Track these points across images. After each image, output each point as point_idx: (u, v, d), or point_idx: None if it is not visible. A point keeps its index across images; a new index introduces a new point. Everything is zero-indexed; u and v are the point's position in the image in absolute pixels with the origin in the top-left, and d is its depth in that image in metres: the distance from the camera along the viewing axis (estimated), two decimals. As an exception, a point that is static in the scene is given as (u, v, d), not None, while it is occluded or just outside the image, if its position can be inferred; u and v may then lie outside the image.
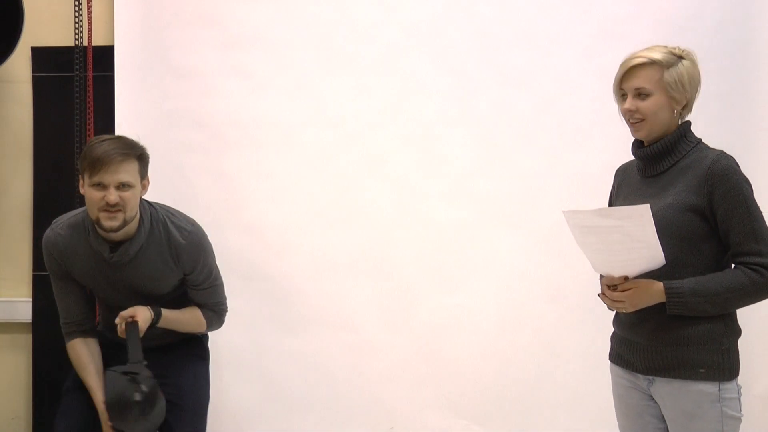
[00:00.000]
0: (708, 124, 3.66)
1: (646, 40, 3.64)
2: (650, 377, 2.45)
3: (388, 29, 3.70)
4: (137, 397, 2.62)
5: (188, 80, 3.71)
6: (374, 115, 3.71)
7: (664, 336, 2.39)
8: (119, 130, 3.70)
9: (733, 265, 2.42)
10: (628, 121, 2.49)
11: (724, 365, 2.38)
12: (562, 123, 3.69)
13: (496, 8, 3.68)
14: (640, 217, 2.27)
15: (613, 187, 2.70)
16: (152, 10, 3.71)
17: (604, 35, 3.67)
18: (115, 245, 2.79)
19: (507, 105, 3.70)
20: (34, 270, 3.78)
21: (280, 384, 3.57)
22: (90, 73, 3.73)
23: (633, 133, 2.49)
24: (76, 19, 3.72)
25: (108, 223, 2.69)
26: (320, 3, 3.71)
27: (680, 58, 2.44)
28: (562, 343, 3.72)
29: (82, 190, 2.74)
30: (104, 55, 3.73)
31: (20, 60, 3.73)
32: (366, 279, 3.72)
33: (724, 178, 2.35)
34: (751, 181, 3.73)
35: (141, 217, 2.81)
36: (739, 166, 2.42)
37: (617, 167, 2.73)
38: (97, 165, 2.65)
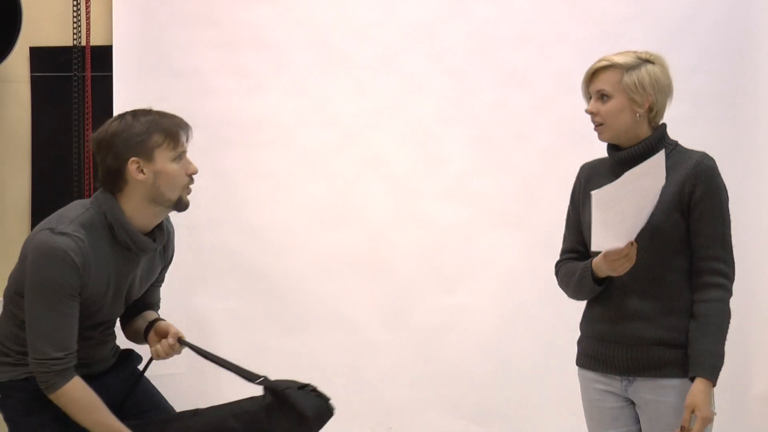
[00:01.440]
0: (706, 124, 3.70)
1: (645, 41, 3.66)
2: (630, 378, 2.42)
3: (386, 29, 3.71)
4: (331, 403, 2.46)
5: (187, 80, 3.71)
6: (372, 115, 3.71)
7: (649, 336, 2.38)
8: (118, 130, 3.70)
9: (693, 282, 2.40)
10: (592, 122, 2.47)
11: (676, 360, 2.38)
12: (560, 123, 3.69)
13: (494, 8, 3.69)
14: (657, 167, 2.27)
15: (579, 183, 2.62)
16: (150, 10, 3.71)
17: (602, 35, 3.67)
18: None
19: (505, 105, 3.70)
20: (32, 270, 3.77)
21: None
22: (88, 73, 3.73)
23: (598, 136, 2.48)
24: (75, 19, 3.72)
25: (188, 200, 2.41)
26: (318, 3, 3.72)
27: (646, 61, 2.42)
28: (561, 343, 3.69)
29: (140, 176, 2.32)
30: (102, 55, 3.72)
31: (18, 60, 3.73)
32: (364, 279, 3.72)
33: (708, 178, 2.36)
34: (747, 180, 3.77)
35: None
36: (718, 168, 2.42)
37: (583, 164, 2.67)
38: (178, 134, 2.35)
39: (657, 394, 2.38)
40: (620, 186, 2.28)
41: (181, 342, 2.52)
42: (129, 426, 2.37)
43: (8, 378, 2.41)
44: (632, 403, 2.46)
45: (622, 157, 2.45)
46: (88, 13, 3.70)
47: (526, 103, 3.71)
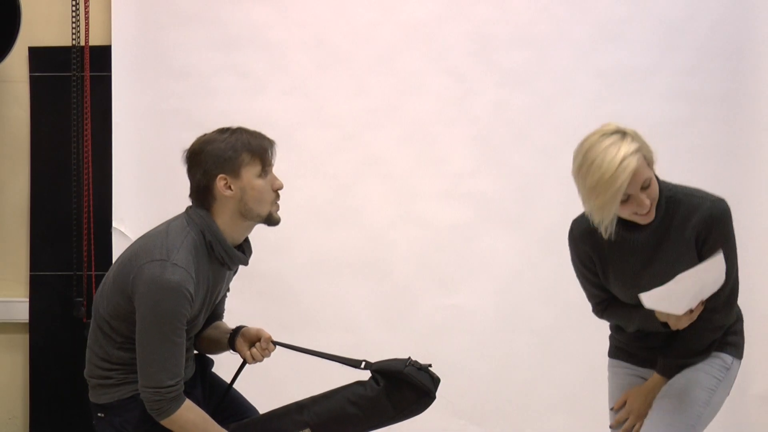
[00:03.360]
0: (705, 125, 3.70)
1: (643, 41, 3.68)
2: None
3: (385, 29, 3.71)
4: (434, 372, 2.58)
5: (185, 80, 3.71)
6: (371, 115, 3.71)
7: (697, 349, 2.49)
8: (116, 131, 3.71)
9: None
10: (636, 214, 2.33)
11: (738, 344, 2.56)
12: (559, 123, 3.69)
13: (493, 8, 3.69)
14: (718, 268, 2.31)
15: (586, 256, 2.52)
16: (149, 10, 3.71)
17: (602, 35, 3.68)
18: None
19: (504, 105, 3.70)
20: (31, 270, 3.78)
21: (277, 384, 3.56)
22: (87, 73, 3.72)
23: (643, 220, 2.35)
24: (74, 19, 3.72)
25: (279, 215, 2.48)
26: (317, 3, 3.72)
27: (625, 131, 2.30)
28: (560, 343, 3.72)
29: (228, 192, 2.38)
30: (101, 55, 3.72)
31: (17, 60, 3.73)
32: (363, 279, 3.72)
33: (719, 225, 2.38)
34: (746, 180, 3.77)
35: None
36: (729, 210, 2.43)
37: (572, 234, 2.56)
38: (265, 153, 2.43)
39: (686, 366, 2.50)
40: (674, 285, 2.29)
41: (275, 343, 2.59)
42: (232, 431, 2.46)
43: (115, 399, 2.44)
44: None
45: (645, 236, 2.41)
46: (87, 13, 3.70)
47: (525, 104, 3.70)
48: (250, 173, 2.40)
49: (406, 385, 2.52)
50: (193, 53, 3.71)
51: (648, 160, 2.30)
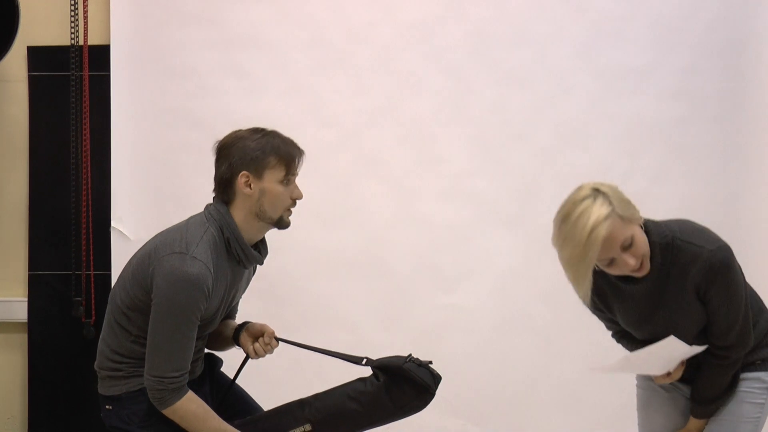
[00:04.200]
0: (702, 124, 3.70)
1: (641, 40, 3.69)
2: None
3: (383, 29, 3.71)
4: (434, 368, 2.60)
5: (184, 80, 3.71)
6: (370, 115, 3.71)
7: (718, 382, 2.46)
8: (115, 130, 3.71)
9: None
10: (626, 273, 2.33)
11: None
12: (557, 122, 3.69)
13: (491, 8, 3.69)
14: (677, 347, 2.31)
15: (593, 294, 2.43)
16: (148, 9, 3.71)
17: (599, 34, 3.68)
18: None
19: (502, 104, 3.70)
20: (29, 270, 3.78)
21: (275, 383, 3.56)
22: (86, 73, 3.72)
23: (638, 275, 2.33)
24: (72, 19, 3.72)
25: (290, 220, 2.52)
26: (316, 3, 3.72)
27: (602, 193, 2.26)
28: (558, 343, 3.72)
29: (246, 190, 2.42)
30: (100, 55, 3.72)
31: (16, 59, 3.73)
32: (362, 278, 3.72)
33: (720, 275, 2.33)
34: (746, 179, 3.77)
35: None
36: (732, 257, 2.36)
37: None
38: (292, 160, 2.46)
39: None
40: (624, 365, 2.39)
41: (278, 339, 2.62)
42: (236, 426, 2.46)
43: (123, 391, 2.46)
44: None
45: (644, 288, 2.38)
46: (85, 12, 3.70)
47: (524, 103, 3.71)
48: (272, 177, 2.43)
49: (406, 381, 2.53)
50: (193, 53, 3.70)
51: (626, 218, 2.25)
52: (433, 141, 3.73)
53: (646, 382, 2.63)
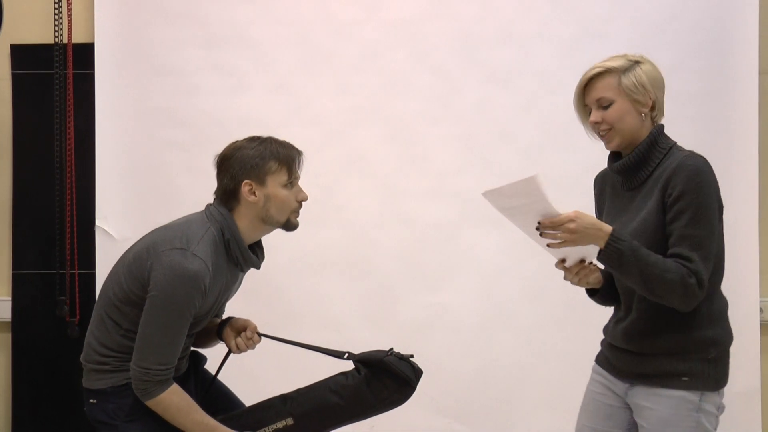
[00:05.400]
0: (685, 124, 3.71)
1: (626, 39, 3.70)
2: (631, 383, 2.42)
3: (369, 28, 3.71)
4: (415, 362, 2.63)
5: (169, 78, 3.70)
6: (355, 114, 3.71)
7: (654, 345, 2.35)
8: (99, 129, 3.70)
9: None
10: (597, 134, 2.43)
11: (709, 375, 2.33)
12: (543, 121, 3.70)
13: (477, 7, 3.70)
14: (531, 188, 2.21)
15: (596, 195, 2.63)
16: (133, 7, 3.70)
17: (585, 34, 3.69)
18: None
19: (488, 103, 3.71)
20: (13, 269, 3.76)
21: (261, 382, 3.55)
22: (70, 71, 3.71)
23: (606, 145, 2.43)
24: (56, 16, 3.70)
25: (297, 221, 2.57)
26: (301, 1, 3.72)
27: (637, 62, 2.39)
28: (544, 342, 3.73)
29: (251, 198, 2.45)
30: (84, 53, 3.71)
31: (-1, 57, 3.72)
32: (347, 277, 3.73)
33: (687, 177, 2.26)
34: (727, 179, 3.77)
35: None
36: (709, 168, 2.31)
37: (596, 175, 2.65)
38: (293, 163, 2.51)
39: (651, 402, 2.36)
40: (495, 196, 2.28)
41: (260, 334, 2.63)
42: (219, 421, 2.46)
43: (109, 385, 2.47)
44: (630, 408, 2.46)
45: (618, 168, 2.43)
46: (69, 10, 3.69)
47: (509, 102, 3.71)
48: (275, 182, 2.48)
49: (387, 374, 2.56)
50: (177, 51, 3.70)
51: (625, 87, 2.35)
52: (419, 140, 3.73)
53: (589, 387, 2.61)
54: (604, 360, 2.56)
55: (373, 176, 3.71)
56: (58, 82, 3.72)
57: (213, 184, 3.78)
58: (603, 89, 2.38)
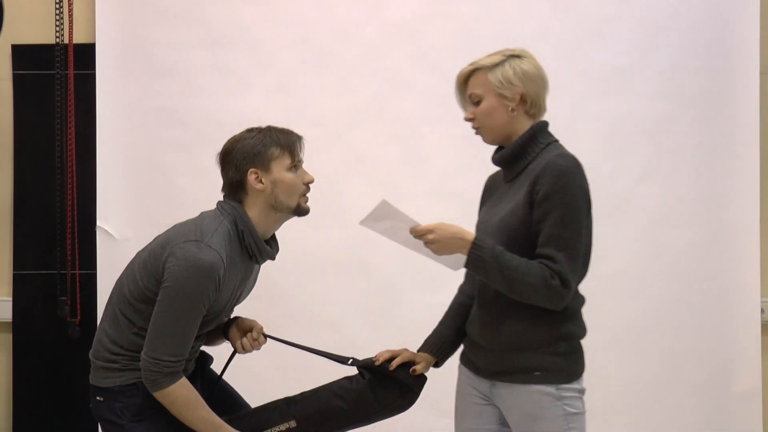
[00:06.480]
0: (688, 123, 3.72)
1: (626, 39, 3.71)
2: (492, 381, 2.43)
3: (370, 28, 3.71)
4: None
5: (170, 78, 3.71)
6: (356, 114, 3.71)
7: (503, 341, 2.37)
8: (101, 129, 3.70)
9: None
10: (468, 121, 2.46)
11: (560, 368, 2.34)
12: (543, 122, 3.70)
13: (477, 7, 3.70)
14: (388, 210, 2.34)
15: (482, 192, 2.64)
16: (134, 7, 3.70)
17: (585, 34, 3.69)
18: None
19: (489, 104, 3.70)
20: (14, 269, 3.76)
21: (262, 383, 3.55)
22: (71, 71, 3.71)
23: (482, 140, 2.47)
24: (57, 17, 3.70)
25: (308, 206, 2.56)
26: (302, 2, 3.71)
27: (510, 57, 2.40)
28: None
29: (259, 186, 2.45)
30: (85, 53, 3.71)
31: (0, 57, 3.71)
32: (348, 277, 3.73)
33: (554, 178, 2.25)
34: (728, 179, 3.78)
35: None
36: (577, 169, 2.30)
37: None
38: (293, 146, 2.52)
39: (513, 400, 2.38)
40: (371, 221, 2.38)
41: (266, 336, 2.64)
42: (225, 422, 2.46)
43: (117, 384, 2.46)
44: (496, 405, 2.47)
45: (495, 159, 2.46)
46: (70, 10, 3.69)
47: (510, 102, 3.71)
48: (280, 166, 2.48)
49: (390, 380, 2.55)
50: (178, 51, 3.70)
51: (492, 84, 2.36)
52: (420, 140, 3.73)
53: (457, 388, 2.62)
54: (466, 359, 2.57)
55: (373, 176, 3.71)
56: (59, 82, 3.72)
57: (214, 184, 3.77)
58: (473, 86, 2.42)
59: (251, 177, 2.46)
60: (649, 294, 3.71)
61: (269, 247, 2.54)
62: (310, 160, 3.70)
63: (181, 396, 2.39)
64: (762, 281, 3.71)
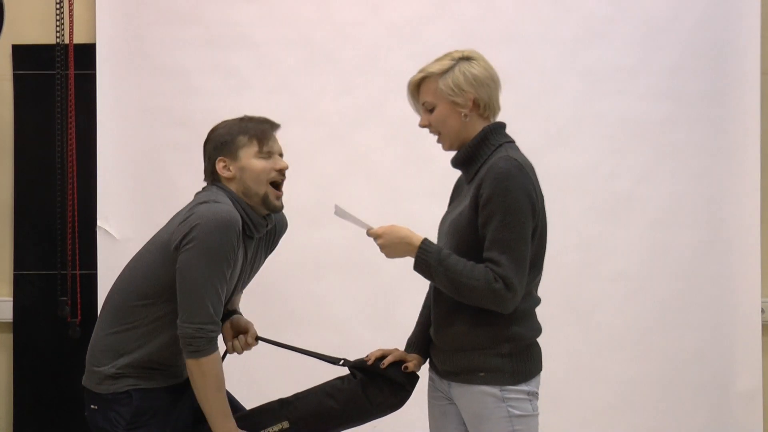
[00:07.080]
0: (689, 123, 3.72)
1: (627, 40, 3.70)
2: (448, 381, 2.45)
3: (371, 28, 3.71)
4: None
5: (170, 78, 3.70)
6: (357, 114, 3.71)
7: (450, 341, 2.39)
8: (101, 129, 3.70)
9: None
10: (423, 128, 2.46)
11: (504, 370, 2.33)
12: (545, 122, 3.70)
13: (478, 7, 3.70)
14: (343, 215, 2.41)
15: (451, 193, 2.66)
16: (134, 8, 3.70)
17: (587, 34, 3.69)
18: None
19: (490, 104, 3.70)
20: (14, 269, 3.76)
21: (263, 384, 3.55)
22: (71, 71, 3.71)
23: (442, 148, 2.47)
24: (58, 17, 3.70)
25: (278, 202, 2.52)
26: (303, 2, 3.72)
27: (460, 60, 2.39)
28: (543, 342, 3.71)
29: (227, 173, 2.46)
30: (86, 53, 3.71)
31: (1, 57, 3.72)
32: (349, 277, 3.72)
33: (496, 180, 2.25)
34: (729, 179, 3.78)
35: None
36: (519, 171, 2.29)
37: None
38: (267, 133, 2.50)
39: (463, 399, 2.39)
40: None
41: (259, 338, 2.64)
42: None
43: (111, 391, 2.44)
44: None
45: (452, 162, 2.47)
46: (71, 10, 3.69)
47: (511, 102, 3.65)
48: (247, 154, 2.48)
49: (382, 378, 2.55)
50: (179, 51, 3.70)
51: (441, 92, 2.35)
52: (421, 140, 3.68)
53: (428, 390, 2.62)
54: (430, 360, 2.59)
55: (374, 176, 3.71)
56: (60, 82, 3.72)
57: (214, 185, 3.78)
58: (425, 94, 2.41)
59: (219, 165, 2.49)
60: (649, 294, 3.71)
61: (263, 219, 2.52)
62: (310, 160, 3.72)
63: (216, 370, 2.37)
64: (762, 281, 3.71)
